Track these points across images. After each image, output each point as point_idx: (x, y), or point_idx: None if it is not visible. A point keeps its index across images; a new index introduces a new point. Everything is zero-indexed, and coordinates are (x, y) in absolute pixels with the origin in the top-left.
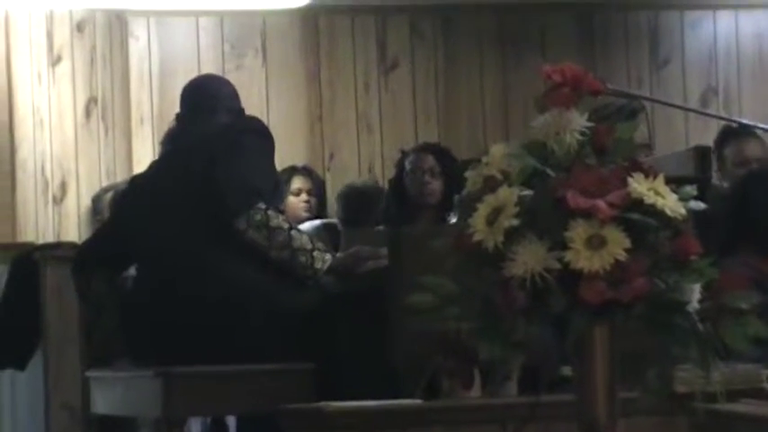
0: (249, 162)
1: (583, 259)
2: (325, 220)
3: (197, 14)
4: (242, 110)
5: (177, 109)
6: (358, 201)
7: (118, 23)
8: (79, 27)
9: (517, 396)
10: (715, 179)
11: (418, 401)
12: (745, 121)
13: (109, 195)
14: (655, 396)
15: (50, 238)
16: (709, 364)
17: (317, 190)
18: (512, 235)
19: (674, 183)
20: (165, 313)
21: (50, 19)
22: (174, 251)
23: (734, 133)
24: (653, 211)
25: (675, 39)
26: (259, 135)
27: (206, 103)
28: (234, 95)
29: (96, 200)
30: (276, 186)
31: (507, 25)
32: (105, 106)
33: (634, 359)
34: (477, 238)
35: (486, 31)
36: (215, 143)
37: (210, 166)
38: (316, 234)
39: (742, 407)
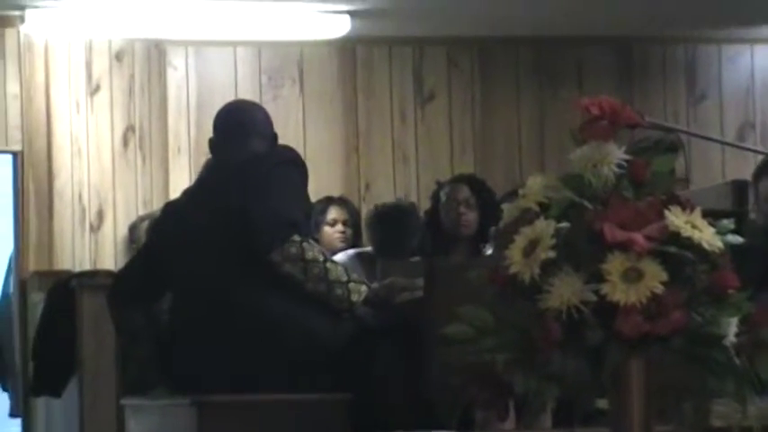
0: (283, 194)
1: (619, 292)
2: (359, 249)
3: (235, 44)
4: (275, 135)
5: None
6: (391, 221)
7: (156, 53)
8: (118, 57)
9: (552, 428)
10: (752, 213)
11: None
12: None
13: (145, 224)
14: (691, 430)
15: (87, 267)
16: (746, 399)
17: (353, 220)
18: (548, 267)
19: (711, 216)
20: (199, 344)
21: (89, 48)
22: (208, 284)
23: None
24: (690, 245)
25: (713, 73)
26: (293, 166)
27: (239, 129)
28: (267, 121)
29: (133, 228)
30: (308, 217)
31: (544, 58)
32: (143, 135)
33: (670, 393)
34: (513, 269)
35: (522, 64)
36: (249, 174)
37: (245, 198)
38: (350, 263)
39: None
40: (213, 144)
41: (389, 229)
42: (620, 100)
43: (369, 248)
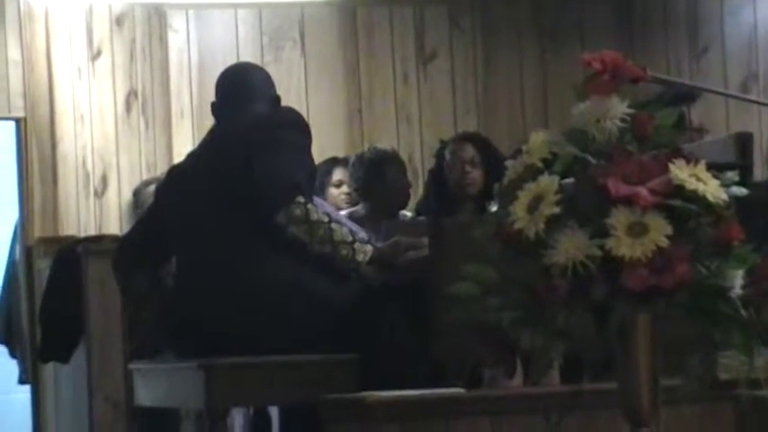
0: (287, 156)
1: (624, 246)
2: (349, 209)
3: (235, 6)
4: (278, 97)
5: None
6: (369, 168)
7: (157, 17)
8: (118, 21)
9: (560, 385)
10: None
11: (460, 391)
12: None
13: (149, 189)
14: (698, 383)
15: (92, 232)
16: (753, 351)
17: None
18: (553, 223)
19: (716, 169)
20: (206, 307)
21: (90, 14)
22: (213, 246)
23: None
24: (694, 198)
25: (715, 26)
26: (296, 128)
27: (241, 91)
28: (269, 82)
29: (137, 193)
30: (312, 178)
31: (545, 15)
32: (145, 100)
33: (677, 346)
34: (518, 226)
35: (524, 21)
36: (252, 136)
37: (249, 160)
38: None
39: None
40: (215, 108)
41: (369, 174)
42: (621, 54)
43: (359, 207)
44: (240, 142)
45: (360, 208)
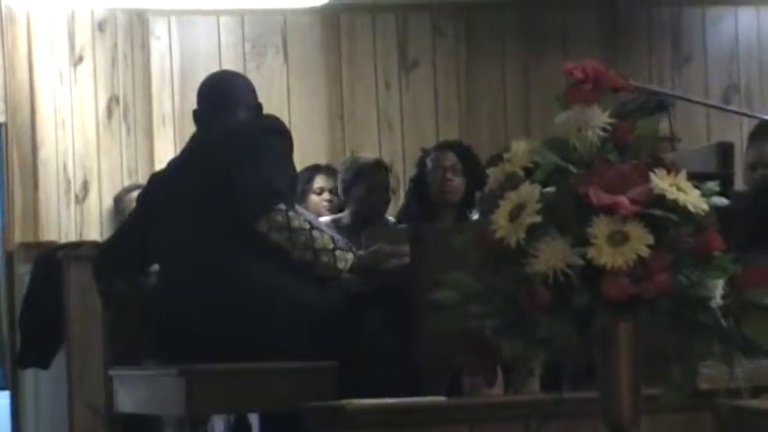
0: (269, 163)
1: (605, 255)
2: (334, 216)
3: (218, 13)
4: (260, 105)
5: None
6: (347, 177)
7: (139, 23)
8: (100, 27)
9: (540, 393)
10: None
11: (441, 399)
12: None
13: (131, 195)
14: (679, 392)
15: (73, 238)
16: (733, 360)
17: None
18: (534, 231)
19: (697, 179)
20: (187, 314)
21: (72, 19)
22: (195, 253)
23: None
24: (675, 207)
25: (697, 36)
26: (278, 135)
27: (223, 99)
28: (251, 90)
29: (118, 199)
30: (293, 185)
31: (529, 22)
32: (127, 106)
33: (658, 356)
34: (499, 234)
35: (507, 29)
36: (234, 143)
37: (230, 167)
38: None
39: (766, 403)
40: (197, 115)
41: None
42: (604, 63)
43: (343, 214)
44: (222, 149)
45: (344, 216)
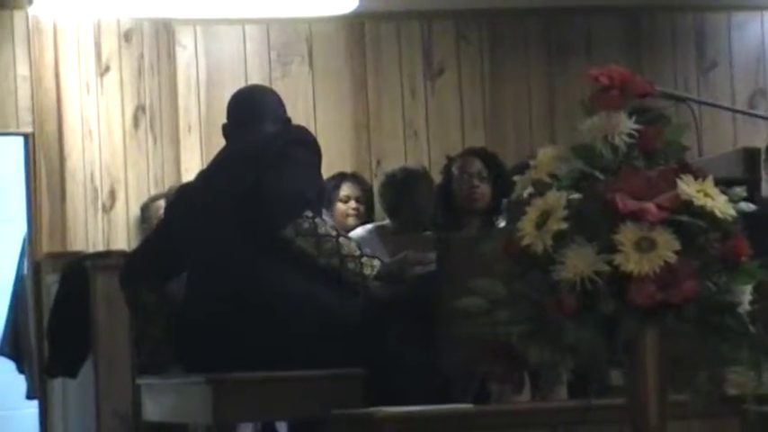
0: (296, 172)
1: (632, 262)
2: (377, 223)
3: (243, 22)
4: (288, 118)
5: (224, 116)
6: (399, 184)
7: (165, 32)
8: (126, 36)
9: (567, 400)
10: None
11: (468, 406)
12: None
13: (157, 204)
14: (706, 399)
15: (100, 247)
16: (761, 366)
17: (366, 197)
18: (560, 238)
19: (723, 184)
20: (216, 322)
21: (98, 29)
22: (223, 261)
23: None
24: (702, 213)
25: (722, 40)
26: (306, 144)
27: (252, 114)
28: (280, 104)
29: (145, 208)
30: (321, 194)
31: (553, 29)
32: (153, 115)
33: (685, 362)
34: (525, 241)
35: (532, 36)
36: (262, 154)
37: (259, 176)
38: (369, 237)
39: None
40: (226, 130)
41: (399, 193)
42: (629, 69)
43: (387, 222)
44: (250, 159)
45: (387, 223)
